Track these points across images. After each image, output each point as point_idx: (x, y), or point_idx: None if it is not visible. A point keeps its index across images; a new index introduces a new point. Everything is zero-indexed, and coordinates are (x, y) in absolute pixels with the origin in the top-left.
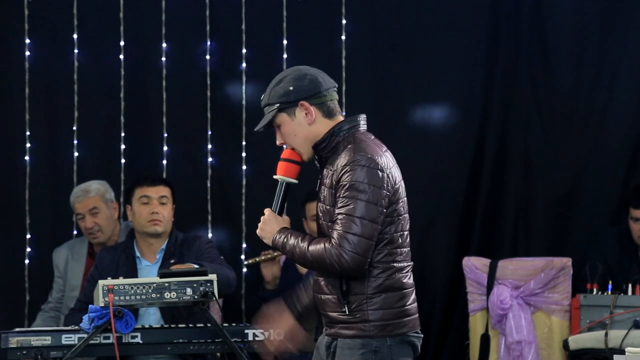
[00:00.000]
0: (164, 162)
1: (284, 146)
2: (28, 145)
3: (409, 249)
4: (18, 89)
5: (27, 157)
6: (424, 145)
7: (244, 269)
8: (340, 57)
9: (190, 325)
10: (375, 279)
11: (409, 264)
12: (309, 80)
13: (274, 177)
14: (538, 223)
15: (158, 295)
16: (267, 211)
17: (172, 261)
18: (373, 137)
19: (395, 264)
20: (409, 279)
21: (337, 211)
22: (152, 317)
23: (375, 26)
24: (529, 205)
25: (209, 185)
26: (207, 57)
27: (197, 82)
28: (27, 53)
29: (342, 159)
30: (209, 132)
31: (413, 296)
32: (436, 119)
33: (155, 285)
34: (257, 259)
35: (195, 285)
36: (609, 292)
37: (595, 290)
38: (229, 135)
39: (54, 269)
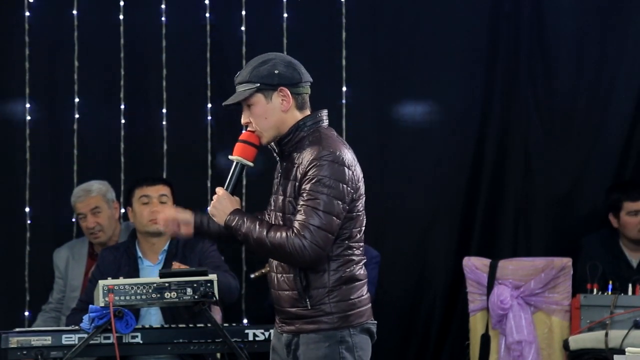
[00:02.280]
0: (164, 162)
1: (246, 128)
2: (28, 144)
3: (363, 243)
4: (18, 88)
5: (27, 157)
6: (424, 145)
7: (250, 278)
8: (341, 57)
9: (190, 325)
10: (335, 272)
11: (363, 258)
12: (294, 68)
13: (229, 157)
14: (538, 223)
15: (158, 295)
16: (220, 190)
17: (173, 262)
18: (336, 133)
19: (353, 257)
20: (363, 271)
21: (300, 202)
22: (153, 318)
23: (375, 26)
24: (529, 205)
25: (209, 185)
26: (207, 56)
27: (197, 82)
28: (27, 53)
29: (309, 154)
30: (209, 132)
31: (367, 287)
32: (436, 119)
33: (155, 285)
34: (264, 271)
35: (195, 285)
36: (609, 292)
37: (595, 290)
38: (229, 135)
39: (54, 269)
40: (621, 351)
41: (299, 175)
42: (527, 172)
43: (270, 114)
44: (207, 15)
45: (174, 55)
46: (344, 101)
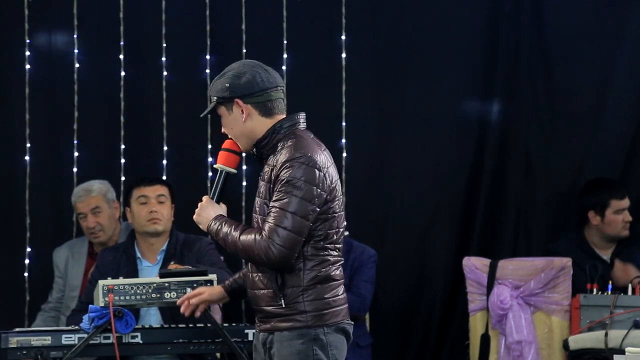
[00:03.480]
0: (164, 162)
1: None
2: (28, 145)
3: (341, 245)
4: (18, 89)
5: (27, 157)
6: (424, 145)
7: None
8: (340, 57)
9: (190, 325)
10: (310, 271)
11: (340, 259)
12: (246, 79)
13: (214, 166)
14: (538, 223)
15: (158, 296)
16: (205, 198)
17: (172, 262)
18: (312, 135)
19: (329, 258)
20: (339, 272)
21: (271, 204)
22: (152, 318)
23: (375, 26)
24: (529, 205)
25: (209, 185)
26: (207, 56)
27: (197, 82)
28: (27, 53)
29: (282, 156)
30: (209, 132)
31: (343, 287)
32: (436, 119)
33: (155, 285)
34: None
35: (195, 285)
36: (609, 292)
37: (595, 290)
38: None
39: (54, 269)
40: (621, 351)
41: (272, 178)
42: (527, 172)
43: (234, 124)
44: (207, 15)
45: (174, 55)
46: (343, 101)
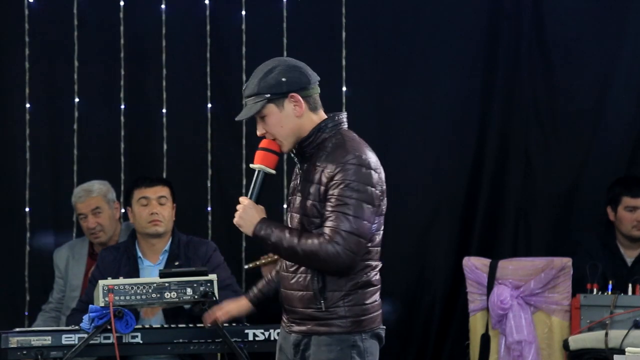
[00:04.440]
0: (164, 162)
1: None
2: (28, 144)
3: (380, 248)
4: (18, 89)
5: (27, 157)
6: (424, 145)
7: (244, 269)
8: (340, 57)
9: (190, 325)
10: (354, 275)
11: (379, 262)
12: (300, 72)
13: (251, 165)
14: (538, 223)
15: (158, 295)
16: (245, 200)
17: (176, 263)
18: (357, 136)
19: (371, 262)
20: (378, 277)
21: (329, 208)
22: (153, 319)
23: (375, 26)
24: (529, 205)
25: (208, 185)
26: (207, 56)
27: (197, 82)
28: (27, 52)
29: (335, 156)
30: (209, 132)
31: (379, 292)
32: (436, 119)
33: (155, 285)
34: (258, 263)
35: (195, 285)
36: (609, 292)
37: (595, 290)
38: (229, 135)
39: (54, 269)
40: (621, 351)
41: (324, 179)
42: (527, 172)
43: (285, 122)
44: (207, 15)
45: (174, 55)
46: (343, 101)
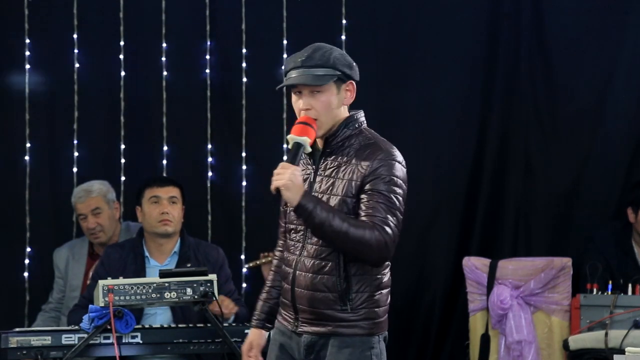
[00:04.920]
0: (164, 162)
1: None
2: (28, 145)
3: None
4: (18, 89)
5: (27, 157)
6: (424, 145)
7: (244, 269)
8: None
9: (190, 325)
10: (380, 275)
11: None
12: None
13: (288, 137)
14: (538, 223)
15: (158, 295)
16: (290, 166)
17: (189, 265)
18: None
19: (389, 263)
20: (390, 277)
21: (375, 199)
22: (159, 317)
23: (375, 26)
24: (529, 205)
25: (209, 185)
26: (207, 56)
27: (197, 82)
28: (27, 53)
29: (372, 152)
30: (209, 132)
31: None
32: (436, 119)
33: (155, 285)
34: (258, 262)
35: (195, 285)
36: (609, 292)
37: (595, 290)
38: (229, 135)
39: (54, 269)
40: (621, 351)
41: (358, 175)
42: (527, 172)
43: (335, 105)
44: (207, 15)
45: (175, 55)
46: None
